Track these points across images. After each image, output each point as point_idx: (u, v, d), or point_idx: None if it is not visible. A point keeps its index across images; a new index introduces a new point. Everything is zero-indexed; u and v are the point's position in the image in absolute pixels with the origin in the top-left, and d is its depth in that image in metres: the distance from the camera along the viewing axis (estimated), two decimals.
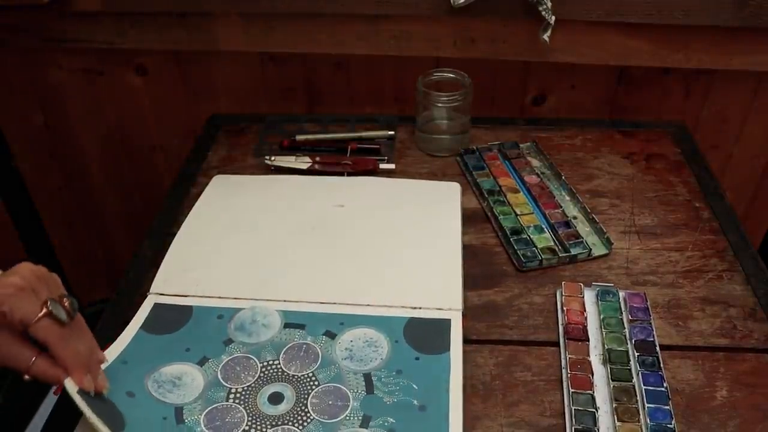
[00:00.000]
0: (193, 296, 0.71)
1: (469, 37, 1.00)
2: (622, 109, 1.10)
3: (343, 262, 0.76)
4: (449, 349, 0.65)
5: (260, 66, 1.08)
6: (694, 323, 0.70)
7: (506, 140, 0.97)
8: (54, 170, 1.23)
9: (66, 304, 0.52)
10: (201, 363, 0.64)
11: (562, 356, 0.66)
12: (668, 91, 1.07)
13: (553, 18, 0.93)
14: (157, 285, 0.72)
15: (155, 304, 0.70)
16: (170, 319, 0.68)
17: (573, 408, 0.61)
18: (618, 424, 0.59)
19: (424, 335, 0.67)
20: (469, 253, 0.79)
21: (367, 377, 0.63)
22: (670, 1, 0.93)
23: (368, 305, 0.70)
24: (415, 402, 0.60)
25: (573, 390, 0.62)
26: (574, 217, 0.83)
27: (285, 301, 0.70)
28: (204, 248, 0.77)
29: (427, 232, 0.80)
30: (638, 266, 0.77)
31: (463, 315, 0.69)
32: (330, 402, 0.61)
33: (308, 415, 0.60)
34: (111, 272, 1.38)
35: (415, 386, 0.62)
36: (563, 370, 0.65)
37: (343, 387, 0.62)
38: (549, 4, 0.93)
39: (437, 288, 0.72)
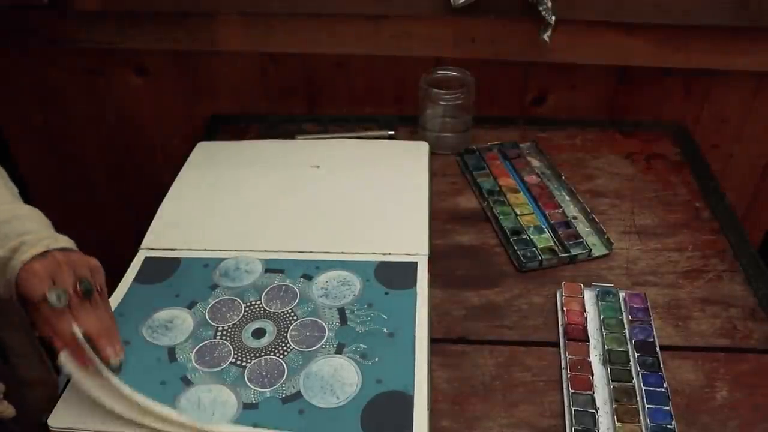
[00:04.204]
0: (181, 249, 0.76)
1: (469, 37, 1.00)
2: (622, 109, 1.09)
3: (320, 215, 0.81)
4: (416, 285, 0.70)
5: (260, 66, 1.08)
6: (694, 324, 0.70)
7: (506, 140, 0.97)
8: (54, 170, 1.23)
9: (76, 288, 0.60)
10: (190, 306, 0.69)
11: (562, 357, 0.66)
12: (668, 91, 1.07)
13: (553, 18, 0.93)
14: (147, 241, 0.77)
15: (146, 258, 0.75)
16: (160, 269, 0.73)
17: (573, 408, 0.61)
18: (618, 424, 0.59)
19: (392, 275, 0.72)
20: (469, 253, 0.79)
21: (341, 311, 0.68)
22: (670, 1, 0.93)
23: (342, 252, 0.75)
24: (385, 330, 0.66)
25: (573, 390, 0.62)
26: (574, 218, 0.83)
27: (266, 251, 0.75)
28: (191, 207, 0.83)
29: (396, 187, 0.85)
30: (638, 266, 0.77)
31: (429, 259, 0.74)
32: (307, 333, 0.66)
33: (288, 345, 0.65)
34: (111, 273, 1.37)
35: (384, 316, 0.67)
36: (563, 371, 0.65)
37: (319, 320, 0.67)
38: (549, 4, 0.93)
39: (405, 236, 0.77)
